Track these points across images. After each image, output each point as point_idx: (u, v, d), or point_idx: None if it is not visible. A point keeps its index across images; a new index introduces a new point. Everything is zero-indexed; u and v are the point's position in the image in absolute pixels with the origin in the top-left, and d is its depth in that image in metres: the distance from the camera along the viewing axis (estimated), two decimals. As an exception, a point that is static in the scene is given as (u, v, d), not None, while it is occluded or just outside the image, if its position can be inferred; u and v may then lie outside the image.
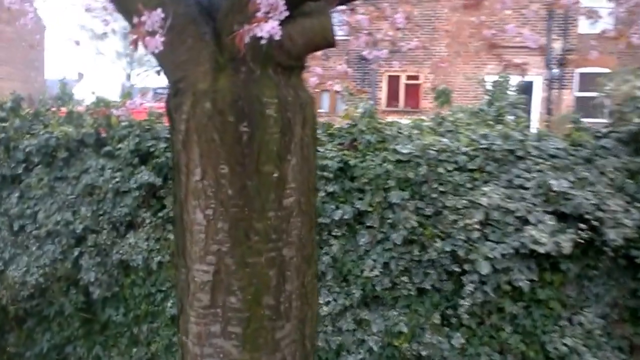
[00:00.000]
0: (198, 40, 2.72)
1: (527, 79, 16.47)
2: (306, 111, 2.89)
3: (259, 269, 2.84)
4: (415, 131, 6.06)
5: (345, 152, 5.79)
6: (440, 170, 5.42)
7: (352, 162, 5.65)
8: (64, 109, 6.66)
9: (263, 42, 2.15)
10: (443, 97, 7.61)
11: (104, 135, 6.43)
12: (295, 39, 2.71)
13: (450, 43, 18.23)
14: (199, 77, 2.73)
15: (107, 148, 6.24)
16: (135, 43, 2.00)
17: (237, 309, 2.83)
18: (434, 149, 5.54)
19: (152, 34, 2.03)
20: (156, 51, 2.10)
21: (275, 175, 2.79)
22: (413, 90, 19.65)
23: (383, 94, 19.87)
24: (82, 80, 51.04)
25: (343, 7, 5.35)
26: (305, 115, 2.88)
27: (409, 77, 19.47)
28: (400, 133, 5.96)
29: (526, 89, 15.41)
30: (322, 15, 2.75)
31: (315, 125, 3.01)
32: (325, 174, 5.53)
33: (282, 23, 2.64)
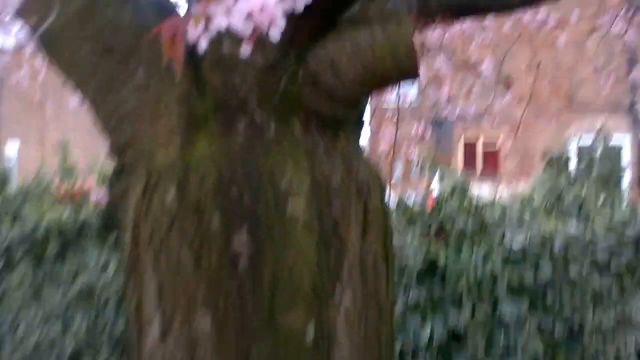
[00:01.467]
0: (157, 71, 1.54)
1: (614, 142, 15.94)
2: (369, 201, 1.67)
3: None
4: (527, 213, 4.85)
5: (432, 244, 4.70)
6: (572, 271, 4.34)
7: (442, 259, 4.58)
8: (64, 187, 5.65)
9: (245, 54, 0.96)
10: (559, 165, 6.32)
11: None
12: (343, 64, 1.56)
13: (529, 104, 17.75)
14: (158, 141, 1.56)
15: (114, 237, 5.16)
16: None
17: None
18: (560, 239, 4.33)
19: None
20: None
21: (310, 330, 1.56)
22: (491, 156, 19.51)
23: (459, 160, 19.71)
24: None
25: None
26: (367, 209, 1.65)
27: (486, 142, 19.34)
28: (506, 216, 4.77)
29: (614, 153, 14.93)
30: (392, 23, 1.55)
31: (388, 229, 1.76)
32: (404, 277, 4.49)
33: (319, 36, 1.45)
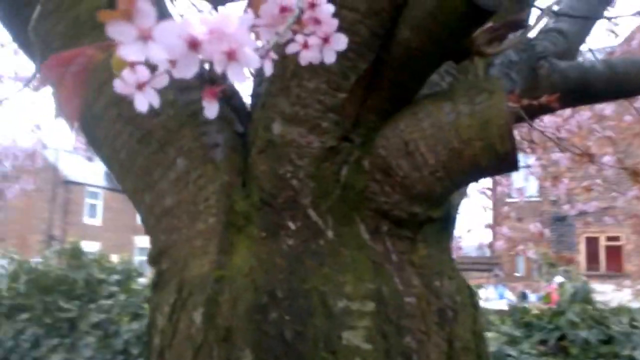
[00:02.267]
0: (197, 159, 1.28)
1: None
2: (456, 328, 1.28)
3: None
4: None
5: (551, 357, 4.18)
6: None
7: (562, 374, 3.94)
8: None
9: (211, 115, 0.55)
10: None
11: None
12: (421, 150, 1.19)
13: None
14: (193, 247, 1.24)
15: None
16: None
17: None
18: (702, 356, 3.73)
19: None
20: None
21: None
22: (614, 253, 18.67)
23: (582, 257, 18.89)
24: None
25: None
26: (452, 339, 1.26)
27: (609, 238, 18.54)
28: (635, 327, 4.16)
29: None
30: (481, 95, 1.17)
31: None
32: (517, 395, 3.88)
33: (390, 114, 1.11)
